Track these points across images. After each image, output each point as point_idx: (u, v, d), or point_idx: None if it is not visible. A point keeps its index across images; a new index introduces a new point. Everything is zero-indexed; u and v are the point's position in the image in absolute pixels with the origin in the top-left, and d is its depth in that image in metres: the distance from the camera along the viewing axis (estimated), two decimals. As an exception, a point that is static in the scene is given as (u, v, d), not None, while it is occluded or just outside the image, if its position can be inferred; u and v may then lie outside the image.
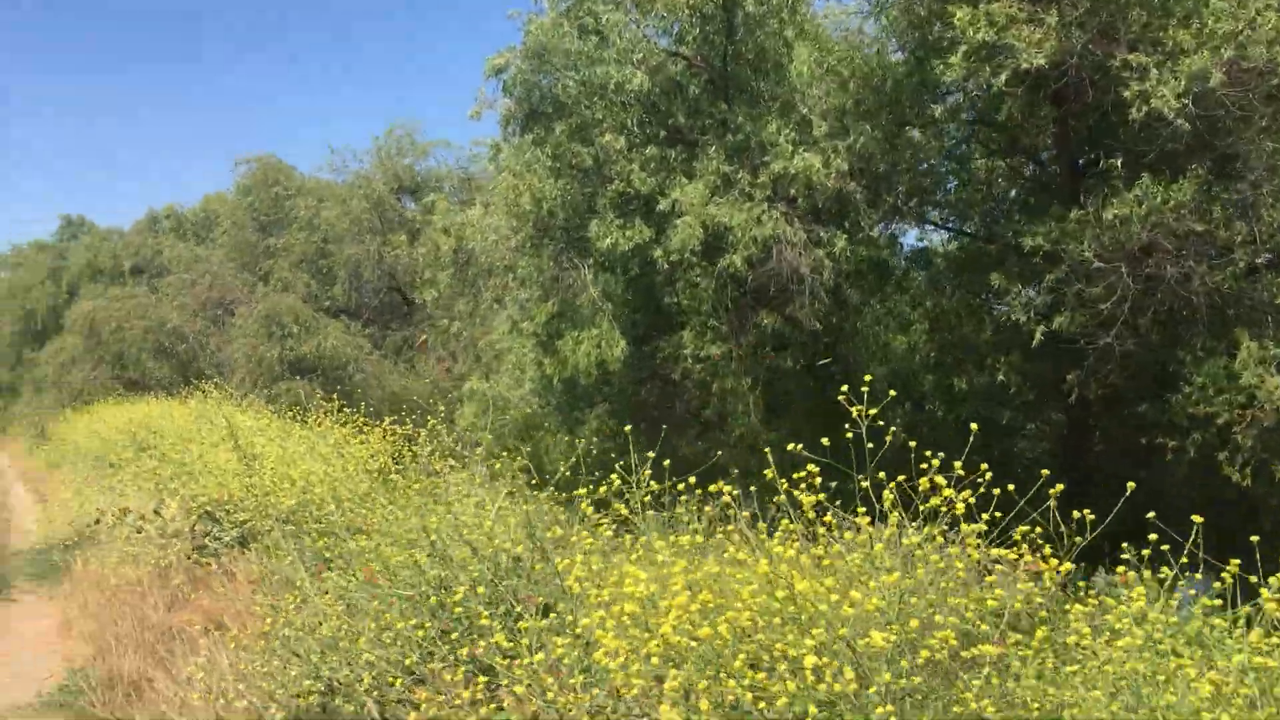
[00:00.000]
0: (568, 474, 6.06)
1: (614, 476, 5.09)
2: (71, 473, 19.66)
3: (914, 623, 3.54)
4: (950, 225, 14.53)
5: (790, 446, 4.56)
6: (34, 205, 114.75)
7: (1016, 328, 13.27)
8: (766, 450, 4.49)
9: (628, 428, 5.67)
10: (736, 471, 16.29)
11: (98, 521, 13.37)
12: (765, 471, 4.77)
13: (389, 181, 32.50)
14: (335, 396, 10.11)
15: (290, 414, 11.36)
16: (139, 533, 12.71)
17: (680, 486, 5.08)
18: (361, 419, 8.34)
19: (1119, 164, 11.59)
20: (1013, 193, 13.85)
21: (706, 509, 5.21)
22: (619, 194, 14.44)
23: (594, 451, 16.49)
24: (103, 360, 27.66)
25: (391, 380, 28.69)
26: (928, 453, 3.93)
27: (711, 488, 4.89)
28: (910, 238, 15.77)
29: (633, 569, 4.14)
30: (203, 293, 30.38)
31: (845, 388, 4.46)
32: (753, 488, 5.14)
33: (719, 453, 16.22)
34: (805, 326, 15.27)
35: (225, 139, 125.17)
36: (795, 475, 4.09)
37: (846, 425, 4.26)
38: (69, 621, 8.27)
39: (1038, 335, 12.38)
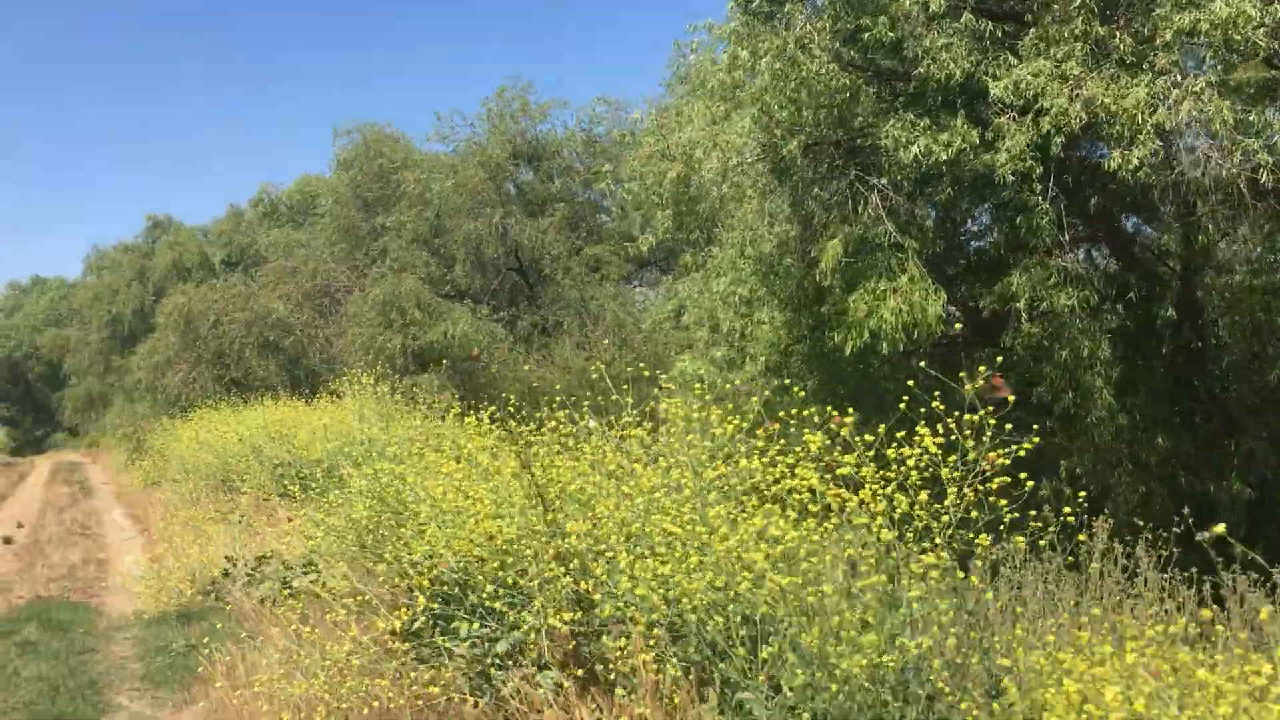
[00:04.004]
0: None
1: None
2: (175, 494, 16.09)
3: None
4: None
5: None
6: (122, 206, 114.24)
7: None
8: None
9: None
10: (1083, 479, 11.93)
11: (226, 574, 9.60)
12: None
13: (504, 147, 28.62)
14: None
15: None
16: (287, 590, 8.86)
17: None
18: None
19: None
20: None
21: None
22: (923, 83, 10.27)
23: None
24: (201, 359, 24.12)
25: (523, 370, 24.84)
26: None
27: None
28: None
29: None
30: (306, 280, 26.77)
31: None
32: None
33: (1078, 464, 11.99)
34: (1179, 259, 10.97)
35: (320, 120, 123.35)
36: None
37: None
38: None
39: None
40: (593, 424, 4.88)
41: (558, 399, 4.86)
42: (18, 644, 8.09)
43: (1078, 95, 9.27)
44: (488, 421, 5.70)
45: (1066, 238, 10.79)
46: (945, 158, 9.86)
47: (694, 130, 11.28)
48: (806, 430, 4.10)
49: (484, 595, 4.52)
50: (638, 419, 4.65)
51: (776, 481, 4.04)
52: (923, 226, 10.54)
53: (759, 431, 4.26)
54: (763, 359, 12.97)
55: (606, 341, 24.78)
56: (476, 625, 4.47)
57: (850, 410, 12.28)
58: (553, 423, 5.11)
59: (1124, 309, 11.28)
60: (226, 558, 9.44)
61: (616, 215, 29.29)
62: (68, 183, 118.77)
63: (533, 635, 4.27)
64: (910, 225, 10.42)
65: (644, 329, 25.07)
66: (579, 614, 4.08)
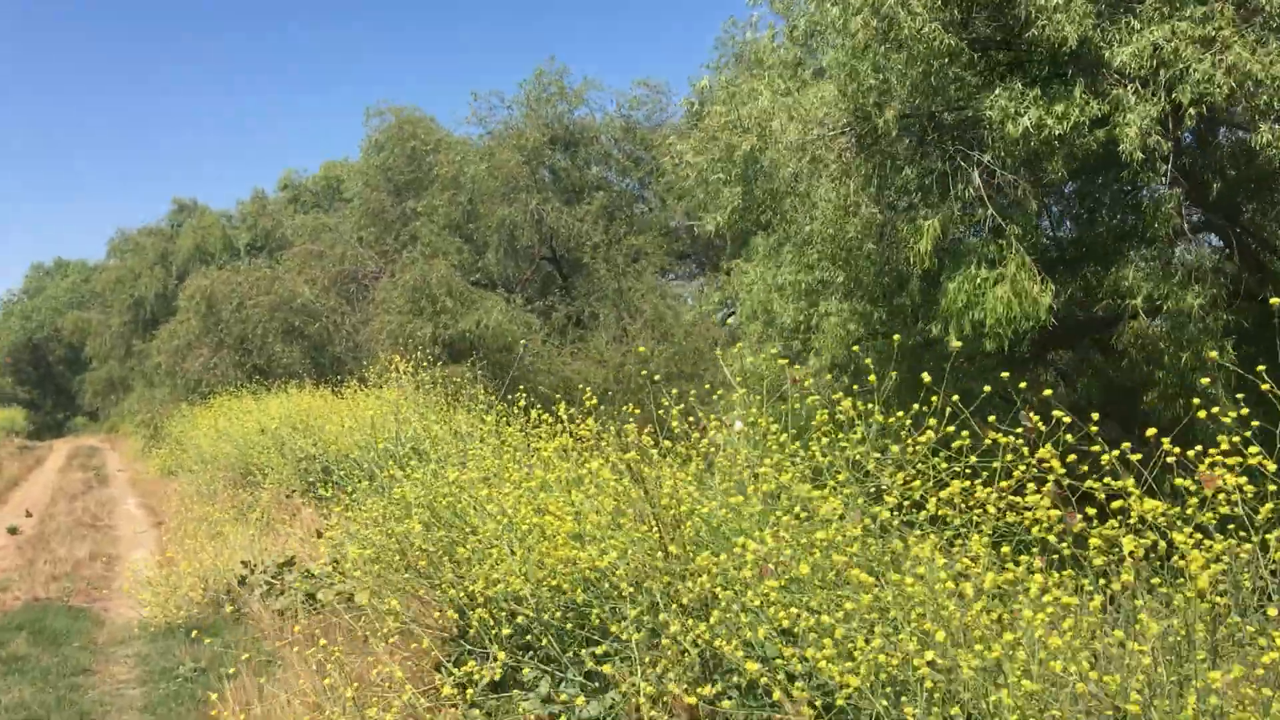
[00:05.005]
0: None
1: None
2: (191, 485, 15.15)
3: None
4: None
5: None
6: (148, 191, 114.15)
7: None
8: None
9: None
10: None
11: (243, 581, 8.59)
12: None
13: (541, 131, 27.63)
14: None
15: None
16: (313, 603, 7.92)
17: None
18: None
19: None
20: None
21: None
22: (1029, 50, 9.18)
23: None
24: (223, 344, 23.16)
25: (558, 363, 23.83)
26: None
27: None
28: None
29: None
30: (332, 265, 25.79)
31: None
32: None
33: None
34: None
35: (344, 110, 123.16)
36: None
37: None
38: None
39: None
40: (739, 425, 3.83)
41: (673, 391, 3.80)
42: (3, 660, 7.09)
43: (1221, 61, 8.15)
44: (566, 419, 4.64)
45: (1187, 226, 9.69)
46: (1059, 132, 8.77)
47: (766, 100, 10.20)
48: (1020, 440, 3.04)
49: (585, 653, 3.42)
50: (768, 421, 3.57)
51: (978, 506, 2.98)
52: (1026, 210, 9.42)
53: (956, 443, 3.22)
54: (828, 354, 11.90)
55: (645, 335, 23.72)
56: (578, 697, 3.37)
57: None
58: (672, 421, 4.01)
59: (1243, 307, 10.11)
60: (244, 563, 8.44)
61: (656, 205, 28.27)
62: (93, 166, 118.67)
63: (644, 703, 3.21)
64: (1014, 208, 9.33)
65: (685, 322, 24.00)
66: (716, 687, 2.99)
